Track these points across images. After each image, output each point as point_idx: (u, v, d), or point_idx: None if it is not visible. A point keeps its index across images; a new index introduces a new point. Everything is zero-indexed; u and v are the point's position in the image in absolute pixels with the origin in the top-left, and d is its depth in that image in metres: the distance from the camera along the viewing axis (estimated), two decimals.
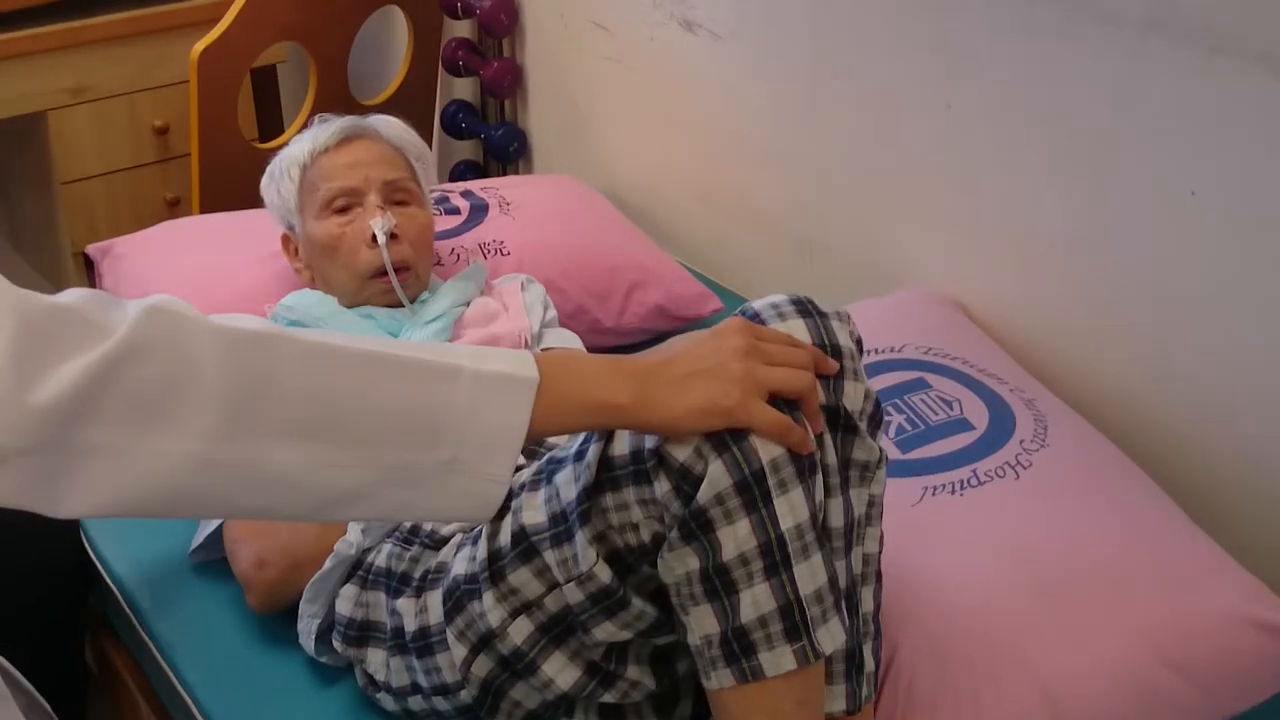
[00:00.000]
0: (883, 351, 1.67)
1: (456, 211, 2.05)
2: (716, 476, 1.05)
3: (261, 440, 0.92)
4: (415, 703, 1.33)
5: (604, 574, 1.12)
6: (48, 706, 1.31)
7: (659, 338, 1.99)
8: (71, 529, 1.68)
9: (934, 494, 1.45)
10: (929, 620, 1.31)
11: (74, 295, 0.93)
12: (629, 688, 1.22)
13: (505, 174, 2.72)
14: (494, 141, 2.64)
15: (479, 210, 2.05)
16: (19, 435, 0.87)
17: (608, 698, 1.22)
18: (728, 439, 1.05)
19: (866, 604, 1.21)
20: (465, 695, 1.25)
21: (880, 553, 1.24)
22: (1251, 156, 1.47)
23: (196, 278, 1.89)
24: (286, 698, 1.42)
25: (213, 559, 1.57)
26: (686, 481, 1.06)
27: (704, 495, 1.05)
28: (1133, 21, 1.54)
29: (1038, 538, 1.39)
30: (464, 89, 2.73)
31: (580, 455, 1.13)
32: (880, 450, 1.21)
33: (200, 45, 2.24)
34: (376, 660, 1.35)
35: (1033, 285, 1.78)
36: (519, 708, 1.24)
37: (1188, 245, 1.57)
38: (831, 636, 1.08)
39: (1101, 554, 1.38)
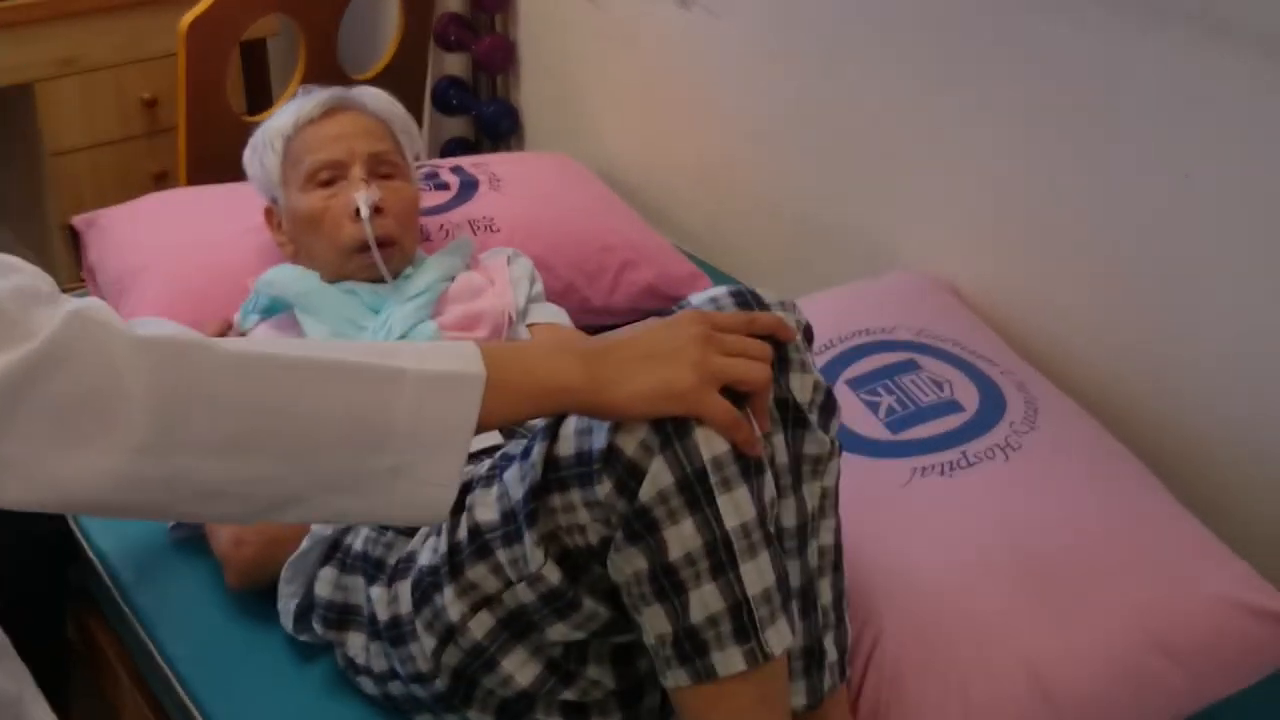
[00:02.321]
0: (874, 332, 1.67)
1: (446, 187, 2.03)
2: (658, 473, 1.03)
3: (190, 455, 0.88)
4: (395, 687, 1.32)
5: (553, 575, 1.11)
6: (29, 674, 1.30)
7: (649, 317, 1.98)
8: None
9: (923, 475, 1.44)
10: (916, 602, 1.30)
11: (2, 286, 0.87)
12: (589, 686, 1.21)
13: (497, 151, 2.70)
14: (486, 118, 2.62)
15: (469, 186, 2.04)
16: None
17: (568, 695, 1.21)
18: (671, 435, 1.03)
19: (824, 596, 1.20)
20: (439, 684, 1.24)
21: (838, 542, 1.23)
22: (1247, 139, 1.47)
23: (182, 250, 1.87)
24: (268, 674, 1.41)
25: (194, 535, 1.56)
26: (632, 478, 1.04)
27: (646, 493, 1.03)
28: (1129, 3, 1.53)
29: (1027, 520, 1.39)
30: (456, 65, 2.71)
31: (526, 454, 1.12)
32: (831, 441, 1.20)
33: (189, 16, 2.21)
34: (357, 644, 1.34)
35: (1025, 268, 1.77)
36: (492, 696, 1.23)
37: (1182, 228, 1.56)
38: (780, 637, 1.06)
39: (1091, 537, 1.37)
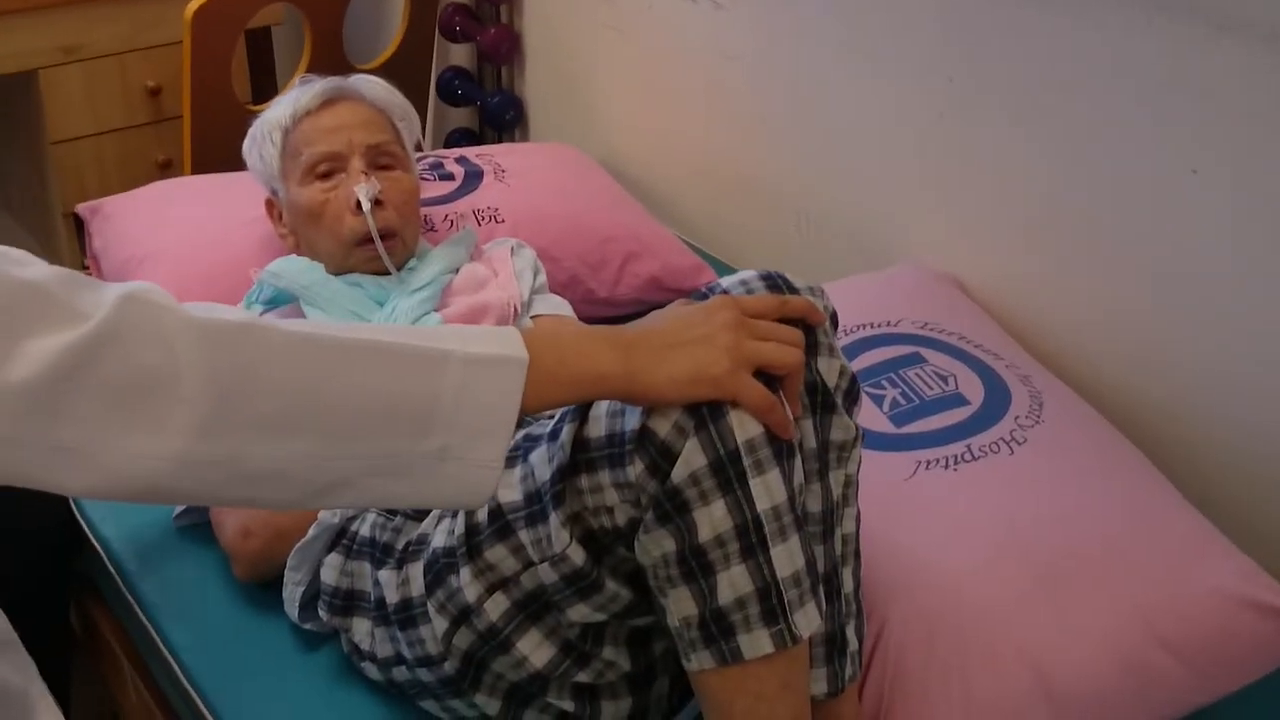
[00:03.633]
0: (878, 325, 1.66)
1: (451, 177, 2.03)
2: (691, 455, 1.03)
3: (244, 435, 0.88)
4: (400, 673, 1.32)
5: (577, 556, 1.11)
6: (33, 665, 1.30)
7: (653, 310, 1.98)
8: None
9: (927, 468, 1.44)
10: (920, 594, 1.30)
11: (43, 272, 0.88)
12: (604, 668, 1.21)
13: (501, 142, 2.70)
14: (490, 109, 2.62)
15: (473, 177, 2.03)
16: None
17: (582, 677, 1.21)
18: (706, 417, 1.03)
19: (847, 584, 1.21)
20: (448, 667, 1.24)
21: (858, 531, 1.23)
22: (1254, 136, 1.46)
23: (186, 238, 1.87)
24: (272, 662, 1.41)
25: (198, 522, 1.56)
26: (665, 459, 1.04)
27: (678, 474, 1.04)
28: None
29: (1031, 514, 1.38)
30: (460, 55, 2.71)
31: (555, 435, 1.12)
32: (856, 427, 1.20)
33: (194, 4, 2.21)
34: (362, 630, 1.34)
35: (1030, 262, 1.77)
36: (501, 680, 1.23)
37: (1188, 224, 1.56)
38: (808, 620, 1.06)
39: (1095, 531, 1.37)
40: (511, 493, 1.14)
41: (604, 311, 1.97)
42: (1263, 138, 1.45)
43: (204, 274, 1.81)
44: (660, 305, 1.92)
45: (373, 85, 1.74)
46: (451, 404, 0.94)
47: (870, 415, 1.51)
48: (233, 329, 0.89)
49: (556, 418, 1.14)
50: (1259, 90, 1.44)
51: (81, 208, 2.03)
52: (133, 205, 1.98)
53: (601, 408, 1.08)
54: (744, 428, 1.04)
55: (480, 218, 1.94)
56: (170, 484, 0.88)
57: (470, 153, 2.12)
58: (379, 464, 0.94)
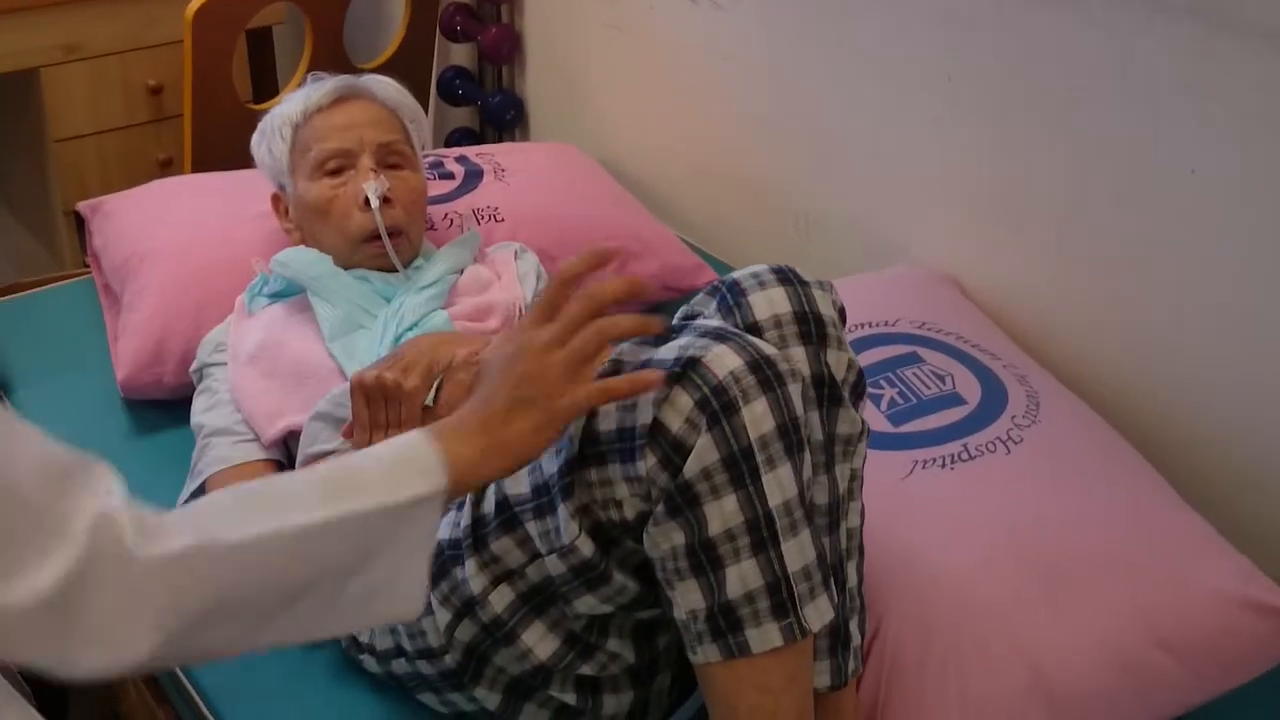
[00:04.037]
0: (876, 325, 1.67)
1: (451, 176, 2.03)
2: (704, 451, 1.04)
3: (200, 644, 0.95)
4: (399, 666, 1.32)
5: (586, 547, 1.11)
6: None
7: (652, 310, 1.98)
8: None
9: (924, 467, 1.44)
10: (917, 593, 1.30)
11: (25, 472, 0.89)
12: (608, 660, 1.22)
13: (501, 141, 2.70)
14: (490, 108, 2.63)
15: (473, 176, 2.04)
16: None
17: (586, 669, 1.22)
18: (719, 412, 1.04)
19: (850, 579, 1.21)
20: (449, 660, 1.25)
21: (862, 526, 1.23)
22: (1253, 136, 1.46)
23: (186, 236, 1.87)
24: (270, 657, 1.41)
25: None
26: (677, 454, 1.05)
27: (690, 469, 1.04)
28: None
29: (1028, 513, 1.39)
30: (461, 55, 2.71)
31: None
32: (863, 422, 1.21)
33: (195, 4, 2.21)
34: None
35: (1029, 263, 1.77)
36: (502, 673, 1.24)
37: (1187, 224, 1.56)
38: (819, 613, 1.07)
39: (1092, 531, 1.38)
40: (519, 485, 1.15)
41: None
42: (1262, 138, 1.46)
43: (203, 271, 1.81)
44: (659, 306, 1.95)
45: (384, 85, 1.75)
46: (377, 554, 0.98)
47: (868, 414, 1.51)
48: (186, 564, 0.92)
49: None
50: (1257, 90, 1.44)
51: (82, 206, 2.03)
52: (133, 203, 1.99)
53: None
54: (757, 424, 1.05)
55: (480, 217, 1.94)
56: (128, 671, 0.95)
57: (470, 152, 2.13)
58: (315, 616, 0.99)
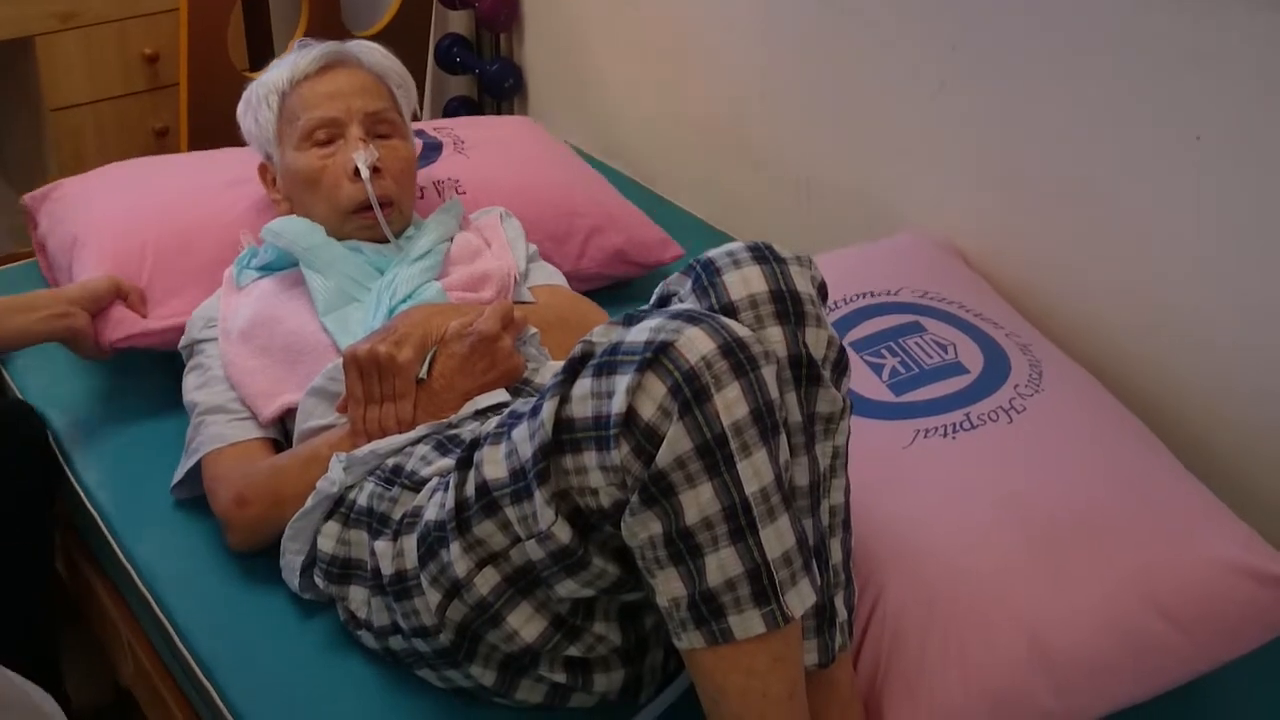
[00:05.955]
0: (878, 294, 1.66)
1: None
2: (676, 438, 1.03)
3: None
4: (396, 643, 1.32)
5: (563, 533, 1.10)
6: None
7: (619, 283, 1.97)
8: (38, 442, 1.67)
9: (926, 437, 1.44)
10: (917, 563, 1.30)
11: None
12: (595, 641, 1.21)
13: (500, 111, 2.69)
14: (489, 77, 2.61)
15: (432, 149, 1.97)
16: None
17: (573, 651, 1.22)
18: (690, 400, 1.03)
19: (835, 555, 1.20)
20: (443, 638, 1.24)
21: (847, 501, 1.23)
22: (1258, 101, 1.45)
23: (128, 218, 1.80)
24: (269, 628, 1.41)
25: (196, 496, 1.55)
26: (650, 442, 1.04)
27: (664, 458, 1.03)
28: None
29: (1030, 482, 1.38)
30: (459, 22, 2.69)
31: (535, 411, 1.11)
32: (844, 400, 1.19)
33: None
34: (358, 598, 1.34)
35: (1032, 231, 1.76)
36: (496, 651, 1.23)
37: (1191, 190, 1.55)
38: (801, 598, 1.06)
39: (1093, 500, 1.37)
40: (497, 469, 1.14)
41: (571, 285, 1.94)
42: (1267, 103, 1.44)
43: (179, 244, 1.76)
44: (625, 279, 1.93)
45: (371, 51, 1.73)
46: None
47: (869, 384, 1.50)
48: None
49: (538, 395, 1.13)
50: (1263, 55, 1.43)
51: (28, 198, 1.94)
52: (78, 189, 1.90)
53: (584, 387, 1.07)
54: (730, 411, 1.03)
55: (441, 189, 1.88)
56: None
57: (428, 126, 2.07)
58: None
